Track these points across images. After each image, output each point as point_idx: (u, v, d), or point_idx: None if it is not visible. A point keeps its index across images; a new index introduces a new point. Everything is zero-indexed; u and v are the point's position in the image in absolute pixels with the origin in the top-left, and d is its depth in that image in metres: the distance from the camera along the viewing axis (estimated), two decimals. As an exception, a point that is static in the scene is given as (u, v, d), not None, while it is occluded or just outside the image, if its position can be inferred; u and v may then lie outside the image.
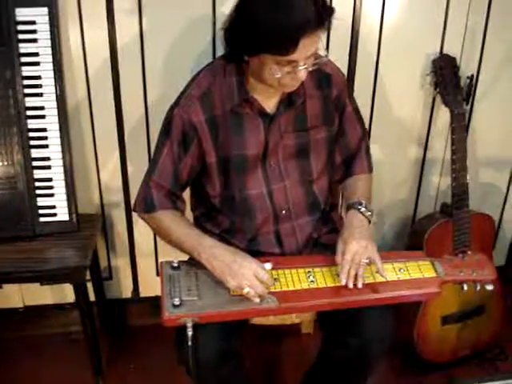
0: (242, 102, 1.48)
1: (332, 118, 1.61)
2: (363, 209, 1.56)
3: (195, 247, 1.46)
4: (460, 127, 1.89)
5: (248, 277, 1.39)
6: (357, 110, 1.68)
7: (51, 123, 1.77)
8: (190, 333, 1.38)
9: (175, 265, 1.52)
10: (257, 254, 1.59)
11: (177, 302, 1.40)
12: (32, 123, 1.76)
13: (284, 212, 1.60)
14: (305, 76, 1.38)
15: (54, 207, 1.84)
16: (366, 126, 2.02)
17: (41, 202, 1.83)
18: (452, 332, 2.05)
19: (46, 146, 1.79)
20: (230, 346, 1.48)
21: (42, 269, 1.73)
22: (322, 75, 1.56)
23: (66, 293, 2.17)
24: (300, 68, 1.35)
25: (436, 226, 1.96)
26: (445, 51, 1.95)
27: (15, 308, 2.22)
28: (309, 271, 1.53)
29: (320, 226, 1.67)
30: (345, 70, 1.92)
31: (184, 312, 1.40)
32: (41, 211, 1.84)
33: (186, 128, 1.49)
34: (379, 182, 2.17)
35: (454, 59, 1.91)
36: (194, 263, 1.52)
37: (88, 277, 2.05)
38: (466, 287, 1.56)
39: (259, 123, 1.52)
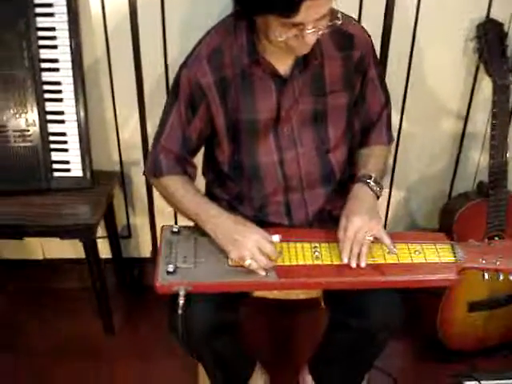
0: (253, 62, 1.38)
1: (353, 83, 1.48)
2: (372, 183, 1.45)
3: (200, 215, 1.40)
4: (503, 100, 1.72)
5: (251, 248, 1.32)
6: (381, 77, 1.54)
7: (66, 76, 1.73)
8: (181, 302, 1.32)
9: (175, 230, 1.46)
10: (264, 224, 1.51)
11: (171, 268, 1.35)
12: (46, 76, 1.73)
13: (295, 182, 1.51)
14: (313, 40, 1.26)
15: (67, 162, 1.82)
16: (400, 94, 1.91)
17: (55, 156, 1.81)
18: (479, 320, 1.92)
19: (61, 100, 1.76)
20: (224, 318, 1.42)
21: (51, 224, 1.72)
22: (343, 36, 1.43)
23: (85, 248, 2.15)
24: (308, 32, 1.23)
25: (469, 205, 1.81)
26: (492, 16, 1.76)
27: (36, 260, 2.24)
28: (315, 246, 1.43)
29: (335, 199, 1.56)
30: (379, 35, 1.79)
31: (177, 280, 1.34)
32: (55, 166, 1.82)
33: (194, 89, 1.41)
34: (412, 157, 2.05)
35: (501, 25, 1.73)
36: (195, 229, 1.46)
37: (104, 234, 2.04)
38: (486, 276, 1.43)
39: (271, 86, 1.42)
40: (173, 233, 1.46)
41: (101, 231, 2.04)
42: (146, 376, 1.90)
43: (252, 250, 1.31)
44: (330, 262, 1.39)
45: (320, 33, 1.27)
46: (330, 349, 1.60)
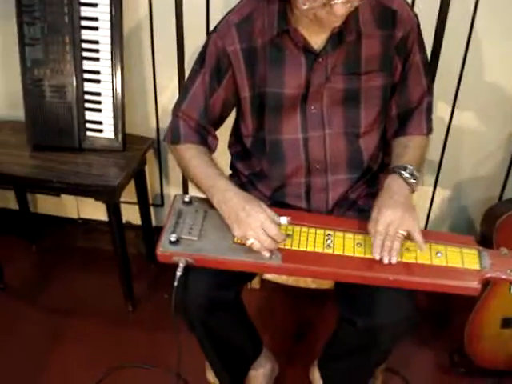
0: (283, 33, 1.30)
1: (392, 65, 1.37)
2: (406, 174, 1.34)
3: (210, 187, 1.34)
4: None
5: (254, 228, 1.25)
6: (425, 61, 1.42)
7: (104, 36, 1.71)
8: (178, 273, 1.28)
9: (187, 200, 1.41)
10: (282, 205, 1.44)
11: (173, 238, 1.30)
12: (85, 34, 1.72)
13: (319, 164, 1.42)
14: (343, 12, 1.17)
15: (100, 123, 1.81)
16: (453, 84, 1.77)
17: (89, 116, 1.81)
18: (512, 338, 1.77)
19: (97, 59, 1.75)
20: (223, 297, 1.37)
21: (75, 182, 1.72)
22: (385, 12, 1.33)
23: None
24: (335, 1, 1.14)
25: (514, 212, 1.66)
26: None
27: (71, 218, 2.27)
28: (329, 234, 1.35)
29: (360, 187, 1.47)
30: (434, 20, 1.66)
31: (178, 250, 1.30)
32: (88, 125, 1.81)
33: (220, 57, 1.35)
34: (462, 154, 1.90)
35: None
36: (208, 202, 1.40)
37: (134, 200, 2.03)
38: (513, 289, 1.31)
39: (301, 60, 1.33)
40: (184, 202, 1.41)
41: (133, 197, 2.04)
42: (159, 348, 1.88)
43: (256, 230, 1.25)
44: (341, 253, 1.30)
45: (351, 5, 1.17)
46: (337, 345, 1.52)
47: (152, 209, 2.15)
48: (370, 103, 1.39)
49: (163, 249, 1.30)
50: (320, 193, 1.45)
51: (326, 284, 1.52)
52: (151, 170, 2.08)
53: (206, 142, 1.43)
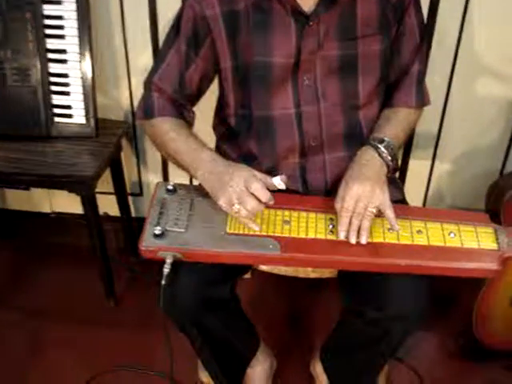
0: None
1: (389, 26, 1.24)
2: (382, 148, 1.22)
3: (192, 161, 1.19)
4: None
5: (237, 188, 1.09)
6: (421, 26, 1.29)
7: (69, 11, 1.54)
8: (165, 270, 1.15)
9: (170, 187, 1.27)
10: (276, 190, 1.30)
11: (158, 231, 1.16)
12: (47, 9, 1.55)
13: (314, 141, 1.29)
14: None
15: (69, 107, 1.65)
16: (451, 52, 1.64)
17: (56, 100, 1.64)
18: (523, 317, 1.67)
19: (62, 37, 1.57)
20: (216, 294, 1.24)
21: (45, 173, 1.56)
22: (380, -32, 1.20)
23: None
24: None
25: (523, 185, 1.55)
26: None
27: (44, 213, 2.11)
28: (331, 218, 1.22)
29: (361, 165, 1.34)
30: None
31: (164, 244, 1.16)
32: (55, 110, 1.65)
33: (198, 23, 1.21)
34: (460, 125, 1.78)
35: None
36: (193, 189, 1.27)
37: (111, 190, 1.88)
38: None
39: (291, 24, 1.19)
40: (168, 191, 1.27)
41: (109, 187, 1.89)
42: (147, 348, 1.75)
43: (238, 192, 1.09)
44: (346, 239, 1.18)
45: None
46: (342, 338, 1.40)
47: (130, 198, 2.00)
48: (369, 71, 1.26)
49: (147, 244, 1.17)
50: (317, 173, 1.32)
51: (328, 272, 1.40)
52: (128, 157, 1.94)
53: (183, 116, 1.28)
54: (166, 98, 1.26)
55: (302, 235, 1.19)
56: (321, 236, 1.19)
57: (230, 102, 1.30)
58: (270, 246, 1.16)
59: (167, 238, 1.17)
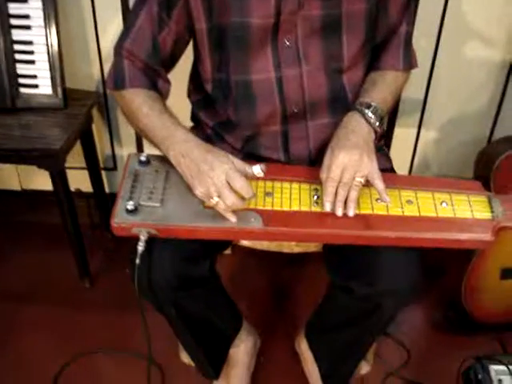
0: None
1: None
2: (369, 113, 1.15)
3: (164, 139, 1.10)
4: None
5: (217, 182, 1.03)
6: None
7: (30, -30, 1.43)
8: (139, 248, 1.07)
9: (143, 159, 1.18)
10: (256, 158, 1.23)
11: (131, 206, 1.08)
12: (7, -33, 1.44)
13: (296, 107, 1.20)
14: None
15: (35, 77, 1.54)
16: (437, 15, 1.56)
17: (20, 69, 1.54)
18: (512, 289, 1.62)
19: (25, 1, 1.46)
20: (194, 272, 1.16)
21: (10, 148, 1.46)
22: None
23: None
24: None
25: (512, 152, 1.49)
26: None
27: (13, 190, 2.00)
28: (316, 189, 1.15)
29: (345, 132, 1.26)
30: None
31: (137, 220, 1.08)
32: (20, 80, 1.55)
33: None
34: (447, 90, 1.71)
35: None
36: (168, 160, 1.18)
37: (82, 164, 1.79)
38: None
39: None
40: (141, 162, 1.18)
41: (81, 162, 1.80)
42: (125, 329, 1.68)
43: (218, 185, 1.02)
44: (332, 211, 1.11)
45: None
46: (328, 314, 1.34)
47: (104, 173, 1.91)
48: (353, 31, 1.18)
49: (119, 220, 1.08)
50: (300, 141, 1.24)
51: (313, 247, 1.33)
52: (100, 130, 1.84)
53: (157, 87, 1.19)
54: (139, 67, 1.17)
55: (286, 207, 1.11)
56: (305, 208, 1.12)
57: (206, 67, 1.21)
58: (252, 220, 1.08)
59: (141, 214, 1.08)
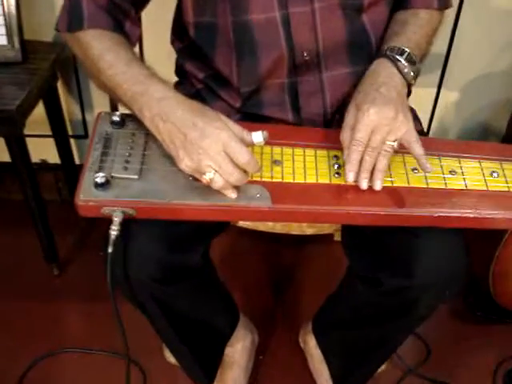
0: None
1: None
2: (402, 60, 0.92)
3: (136, 97, 0.84)
4: None
5: (213, 154, 0.79)
6: None
7: None
8: (113, 233, 0.83)
9: (116, 119, 0.92)
10: (258, 119, 0.99)
11: (101, 178, 0.84)
12: None
13: (308, 54, 0.96)
14: None
15: (-14, 23, 1.27)
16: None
17: (-33, 14, 1.27)
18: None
19: None
20: (185, 260, 0.93)
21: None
22: None
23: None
24: None
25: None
26: None
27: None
28: (335, 156, 0.92)
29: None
30: None
31: (110, 197, 0.84)
32: (-31, 28, 1.28)
33: None
34: (469, 45, 1.49)
35: None
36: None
37: (48, 131, 1.53)
38: None
39: None
40: (113, 123, 0.93)
41: (46, 128, 1.54)
42: (99, 323, 1.44)
43: (216, 158, 0.79)
44: (355, 183, 0.87)
45: None
46: (345, 308, 1.12)
47: (73, 142, 1.65)
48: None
49: (86, 197, 0.84)
50: (312, 97, 0.99)
51: (328, 227, 1.09)
52: (67, 90, 1.58)
53: (123, 29, 0.94)
54: (101, 3, 0.90)
55: (299, 179, 0.88)
56: (324, 180, 0.88)
57: (188, 7, 0.96)
58: (257, 196, 0.85)
59: (114, 189, 0.84)
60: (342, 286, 1.11)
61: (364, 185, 0.85)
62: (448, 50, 1.49)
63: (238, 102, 1.01)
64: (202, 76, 1.03)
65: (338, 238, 1.51)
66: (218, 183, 0.80)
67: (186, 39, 1.03)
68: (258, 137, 0.83)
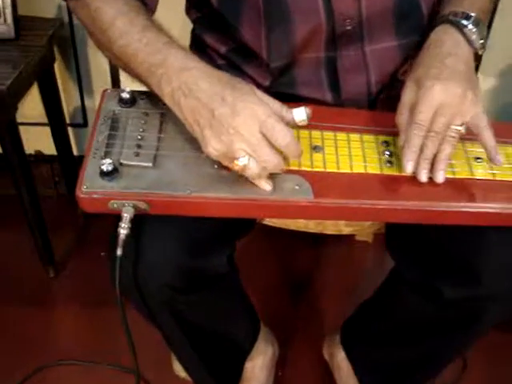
0: None
1: None
2: (470, 25, 0.77)
3: (153, 69, 0.70)
4: None
5: (247, 134, 0.65)
6: None
7: None
8: (122, 232, 0.69)
9: (126, 95, 0.78)
10: (291, 99, 0.84)
11: (108, 166, 0.70)
12: None
13: (350, 24, 0.82)
14: None
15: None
16: None
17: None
18: None
19: None
20: (209, 265, 0.79)
21: None
22: None
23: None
24: None
25: None
26: None
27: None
28: (385, 142, 0.78)
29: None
30: None
31: (119, 188, 0.70)
32: (-46, -1, 1.13)
33: None
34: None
35: None
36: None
37: (44, 120, 1.39)
38: None
39: None
40: (122, 102, 0.79)
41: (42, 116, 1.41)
42: (101, 331, 1.30)
43: (250, 139, 0.65)
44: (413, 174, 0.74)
45: None
46: (387, 319, 0.97)
47: (71, 131, 1.51)
48: None
49: (90, 187, 0.70)
50: (354, 73, 0.86)
51: (369, 226, 0.95)
52: (64, 73, 1.43)
53: None
54: None
55: (344, 169, 0.74)
56: (373, 170, 0.75)
57: None
58: (296, 188, 0.71)
59: (123, 178, 0.71)
60: (382, 293, 0.96)
61: (424, 177, 0.71)
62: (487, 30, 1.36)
63: (266, 80, 0.86)
64: (225, 50, 0.89)
65: (362, 237, 1.38)
66: (252, 170, 0.66)
67: (206, 7, 0.89)
68: (300, 114, 0.69)
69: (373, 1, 0.82)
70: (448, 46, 0.76)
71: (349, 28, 0.82)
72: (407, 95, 0.73)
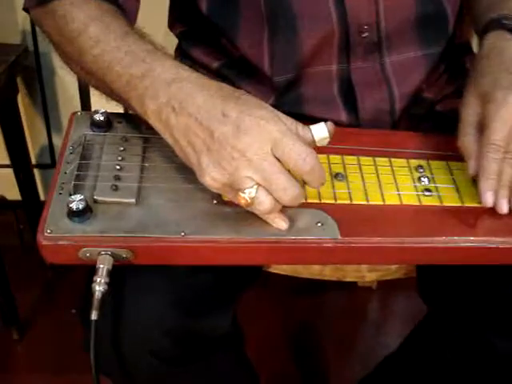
0: None
1: None
2: None
3: (135, 80, 0.56)
4: None
5: (256, 158, 0.51)
6: None
7: None
8: (98, 289, 0.54)
9: (100, 118, 0.64)
10: (299, 119, 0.71)
11: (78, 203, 0.56)
12: None
13: (367, 31, 0.71)
14: None
15: None
16: None
17: None
18: None
19: None
20: (209, 327, 0.64)
21: None
22: None
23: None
24: None
25: None
26: None
27: None
28: (419, 166, 0.65)
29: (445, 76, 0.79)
30: None
31: (92, 231, 0.55)
32: None
33: None
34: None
35: None
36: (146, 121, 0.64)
37: (4, 161, 1.27)
38: None
39: None
40: (95, 126, 0.64)
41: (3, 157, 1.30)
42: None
43: (260, 164, 0.51)
44: (459, 204, 0.61)
45: None
46: (422, 380, 0.81)
47: (37, 173, 1.39)
48: None
49: (54, 231, 0.57)
50: (372, 89, 0.73)
51: (394, 272, 0.80)
52: (30, 108, 1.31)
53: (117, 1, 0.66)
54: None
55: (375, 200, 0.60)
56: (410, 201, 0.61)
57: None
58: (318, 225, 0.56)
59: (98, 219, 0.56)
60: (411, 348, 0.82)
61: (505, 207, 0.58)
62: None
63: (270, 98, 0.73)
64: (217, 65, 0.76)
65: (365, 283, 1.23)
66: (262, 204, 0.52)
67: (193, 18, 0.76)
68: (320, 131, 0.55)
69: (392, 5, 0.70)
70: (510, 53, 0.64)
71: (365, 36, 0.70)
72: (470, 112, 0.61)
